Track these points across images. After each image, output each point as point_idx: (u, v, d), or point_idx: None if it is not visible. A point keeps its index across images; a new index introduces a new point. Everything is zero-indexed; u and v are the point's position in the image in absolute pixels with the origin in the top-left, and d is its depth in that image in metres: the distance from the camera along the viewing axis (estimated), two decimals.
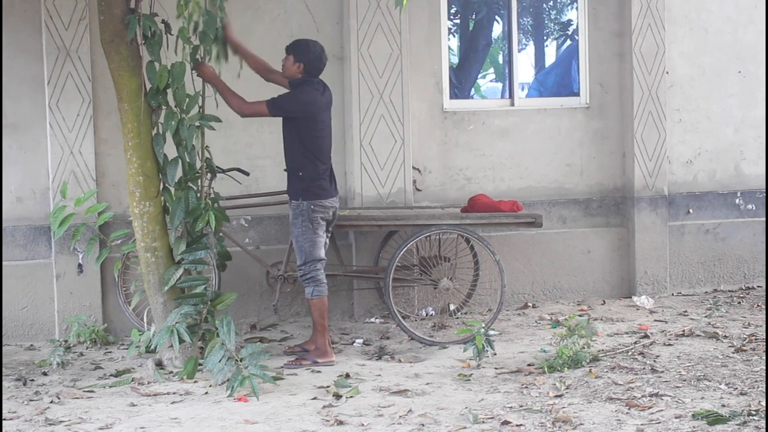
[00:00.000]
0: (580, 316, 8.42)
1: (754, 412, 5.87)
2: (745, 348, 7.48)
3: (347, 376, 7.00)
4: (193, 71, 7.26)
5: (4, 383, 6.93)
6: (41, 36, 8.12)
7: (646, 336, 8.00)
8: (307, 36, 8.00)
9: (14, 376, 7.13)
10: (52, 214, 7.87)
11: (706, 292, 9.72)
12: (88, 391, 6.74)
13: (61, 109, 8.13)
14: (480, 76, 10.63)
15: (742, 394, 6.33)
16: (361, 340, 8.07)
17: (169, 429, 5.96)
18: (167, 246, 7.19)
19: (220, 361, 6.70)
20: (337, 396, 6.52)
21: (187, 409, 6.32)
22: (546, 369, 6.99)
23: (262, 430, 5.92)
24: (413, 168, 8.99)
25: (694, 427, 5.73)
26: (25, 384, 6.94)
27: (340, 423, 5.98)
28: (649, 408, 6.09)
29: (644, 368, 7.01)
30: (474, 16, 10.09)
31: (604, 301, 9.36)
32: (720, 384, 6.56)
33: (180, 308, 7.02)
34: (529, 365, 7.18)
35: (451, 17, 9.69)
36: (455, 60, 9.92)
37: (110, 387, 6.84)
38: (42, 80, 8.15)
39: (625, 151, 9.55)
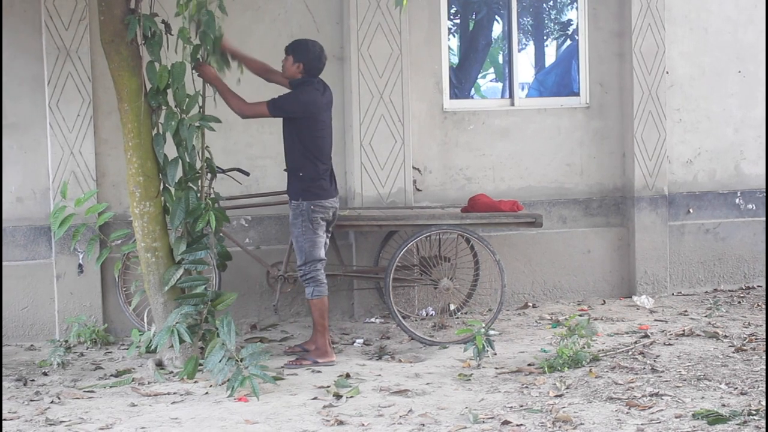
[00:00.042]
0: (580, 315, 8.42)
1: (754, 412, 5.87)
2: (745, 348, 7.49)
3: (347, 376, 7.00)
4: (194, 72, 7.27)
5: (5, 383, 6.93)
6: (41, 36, 8.12)
7: (646, 336, 8.00)
8: (307, 36, 8.01)
9: (15, 376, 7.14)
10: (52, 214, 7.88)
11: (707, 291, 9.72)
12: (88, 392, 6.74)
13: (62, 109, 8.13)
14: (480, 76, 10.63)
15: (742, 393, 6.33)
16: (361, 340, 8.08)
17: (170, 429, 5.97)
18: (167, 246, 7.20)
19: (220, 361, 6.70)
20: (338, 396, 6.52)
21: (188, 409, 6.33)
22: (546, 369, 6.99)
23: (263, 430, 5.93)
24: (413, 168, 8.99)
25: (694, 426, 5.73)
26: (25, 384, 6.94)
27: (341, 423, 5.98)
28: (650, 408, 6.09)
29: (644, 368, 7.01)
30: (474, 16, 10.09)
31: (604, 301, 9.36)
32: (720, 384, 6.56)
33: (180, 308, 7.02)
34: (529, 365, 7.19)
35: (451, 17, 9.69)
36: (455, 60, 9.92)
37: (111, 387, 6.84)
38: (42, 80, 8.15)
39: (625, 151, 9.55)
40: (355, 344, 8.00)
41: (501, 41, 10.04)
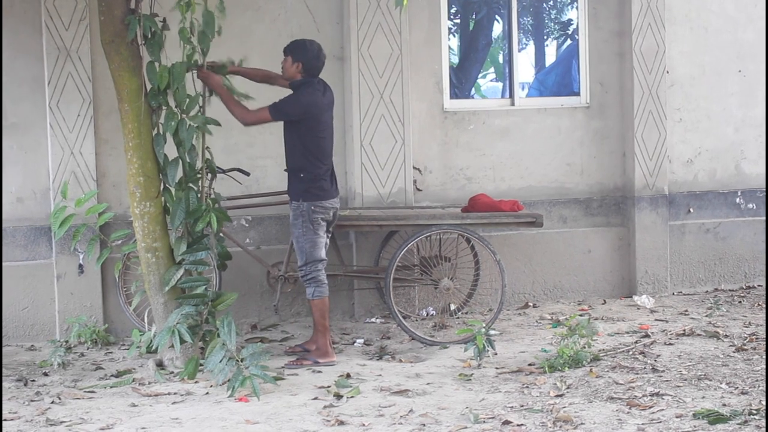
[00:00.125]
0: (580, 315, 8.42)
1: (755, 412, 5.87)
2: (745, 347, 7.48)
3: (348, 376, 7.00)
4: (198, 79, 7.27)
5: (5, 384, 6.93)
6: (41, 36, 8.12)
7: (646, 335, 8.00)
8: (308, 36, 8.00)
9: (15, 376, 7.14)
10: (52, 214, 7.88)
11: (707, 291, 9.72)
12: (88, 392, 6.74)
13: (62, 109, 8.13)
14: (480, 75, 10.62)
15: (743, 393, 6.33)
16: (361, 340, 8.08)
17: (170, 429, 5.96)
18: (168, 246, 7.20)
19: (221, 361, 6.70)
20: (338, 396, 6.52)
21: (188, 409, 6.33)
22: (547, 369, 6.99)
23: (263, 430, 5.93)
24: (414, 168, 8.99)
25: (695, 426, 5.73)
26: (26, 384, 6.94)
27: (341, 423, 5.98)
28: (650, 407, 6.09)
29: (645, 368, 7.01)
30: (474, 16, 10.09)
31: (604, 301, 9.36)
32: (721, 383, 6.56)
33: (181, 309, 7.02)
34: (529, 365, 7.18)
35: (451, 17, 9.69)
36: (455, 60, 9.92)
37: (111, 387, 6.84)
38: (42, 81, 8.15)
39: (626, 151, 9.55)
40: (355, 344, 8.00)
41: (501, 41, 10.03)
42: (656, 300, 9.32)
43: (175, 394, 6.66)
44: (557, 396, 6.40)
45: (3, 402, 6.47)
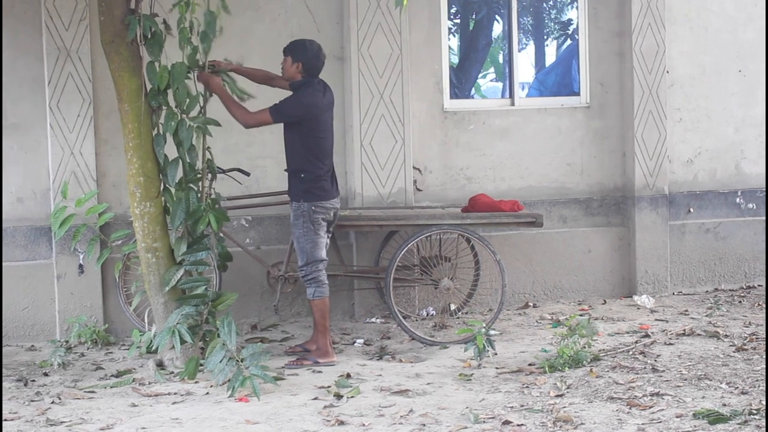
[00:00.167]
0: (580, 315, 8.42)
1: (755, 411, 5.87)
2: (746, 347, 7.48)
3: (348, 376, 7.00)
4: (199, 81, 7.27)
5: (5, 384, 6.94)
6: (41, 37, 8.12)
7: (646, 335, 8.00)
8: (308, 36, 8.00)
9: (15, 376, 7.14)
10: (52, 214, 7.88)
11: (707, 291, 9.72)
12: (89, 392, 6.74)
13: (62, 109, 8.13)
14: (480, 75, 10.63)
15: (743, 393, 6.33)
16: (362, 340, 8.08)
17: (171, 429, 5.97)
18: (168, 246, 7.20)
19: (221, 361, 6.70)
20: (338, 396, 6.52)
21: (188, 409, 6.33)
22: (547, 369, 6.99)
23: (263, 430, 5.93)
24: (414, 168, 8.99)
25: (695, 426, 5.73)
26: (26, 384, 6.94)
27: (341, 423, 5.98)
28: (650, 407, 6.09)
29: (645, 367, 7.01)
30: (474, 16, 10.09)
31: (604, 301, 9.36)
32: (721, 383, 6.56)
33: (181, 309, 7.02)
34: (530, 365, 7.18)
35: (451, 17, 9.69)
36: (455, 60, 9.92)
37: (111, 387, 6.84)
38: (42, 81, 8.15)
39: (626, 151, 9.55)
40: (355, 344, 8.00)
41: (501, 41, 10.03)
42: (656, 300, 9.32)
43: (175, 394, 6.66)
44: (557, 396, 6.40)
45: (3, 402, 6.48)
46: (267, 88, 7.81)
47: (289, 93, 7.56)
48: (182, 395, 6.63)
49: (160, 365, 7.18)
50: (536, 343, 7.86)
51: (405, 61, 8.82)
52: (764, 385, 6.46)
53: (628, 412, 6.03)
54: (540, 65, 10.34)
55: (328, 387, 6.73)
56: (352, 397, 6.51)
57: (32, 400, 6.56)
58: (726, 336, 7.89)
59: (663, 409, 6.04)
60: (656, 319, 8.60)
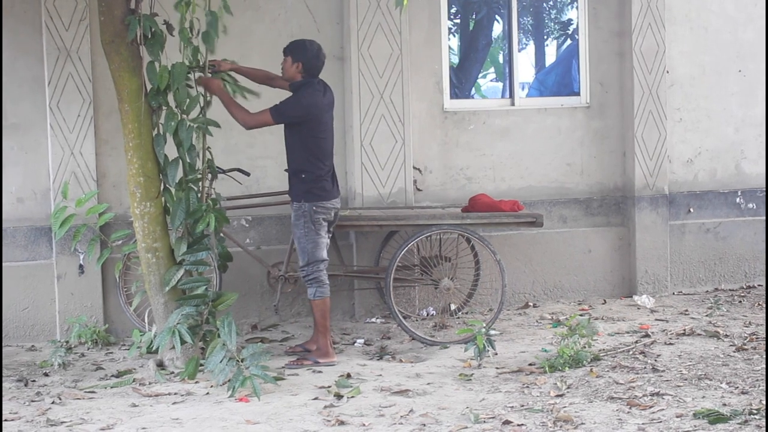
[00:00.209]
0: (581, 315, 8.42)
1: (755, 411, 5.87)
2: (746, 347, 7.48)
3: (348, 376, 7.00)
4: (198, 85, 7.27)
5: (6, 384, 6.94)
6: (42, 37, 8.12)
7: (647, 335, 8.00)
8: (308, 36, 8.00)
9: (15, 376, 7.14)
10: (53, 214, 7.88)
11: (707, 291, 9.72)
12: (89, 392, 6.74)
13: (62, 109, 8.13)
14: (480, 75, 10.63)
15: (743, 393, 6.33)
16: (362, 340, 8.08)
17: (171, 429, 5.97)
18: (168, 247, 7.20)
19: (221, 361, 6.70)
20: (339, 396, 6.52)
21: (189, 409, 6.33)
22: (547, 368, 6.99)
23: (264, 430, 5.93)
24: (414, 168, 8.99)
25: (695, 426, 5.73)
26: (26, 385, 6.94)
27: (342, 423, 5.98)
28: (651, 407, 6.09)
29: (645, 367, 7.01)
30: (474, 16, 10.09)
31: (604, 301, 9.37)
32: (721, 383, 6.56)
33: (181, 309, 7.02)
34: (530, 365, 7.19)
35: (451, 17, 9.69)
36: (455, 60, 9.92)
37: (111, 387, 6.84)
38: (42, 81, 8.15)
39: (626, 151, 9.56)
40: (355, 344, 8.00)
41: (501, 41, 10.04)
42: (656, 300, 9.32)
43: (175, 394, 6.66)
44: (557, 396, 6.41)
45: (3, 402, 6.48)
46: (267, 88, 7.81)
47: (289, 93, 7.56)
48: (182, 395, 6.63)
49: (161, 365, 7.18)
50: (536, 343, 7.86)
51: (405, 61, 8.82)
52: (764, 384, 6.46)
53: (629, 412, 6.03)
54: (540, 65, 10.34)
55: (329, 387, 6.73)
56: (352, 397, 6.51)
57: (32, 401, 6.57)
58: (726, 336, 7.89)
59: (663, 409, 6.04)
60: (656, 319, 8.60)
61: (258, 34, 8.64)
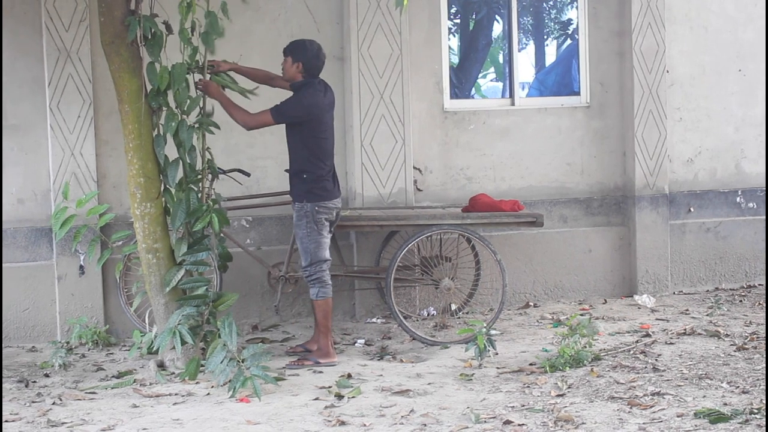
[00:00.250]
0: (581, 315, 8.42)
1: (756, 411, 5.87)
2: (746, 346, 7.48)
3: (349, 376, 7.00)
4: (198, 89, 7.26)
5: (6, 385, 6.94)
6: (42, 38, 8.12)
7: (647, 335, 8.00)
8: (308, 36, 8.00)
9: (16, 377, 7.14)
10: (53, 215, 7.88)
11: (708, 290, 9.72)
12: (90, 393, 6.74)
13: (62, 110, 8.14)
14: (480, 75, 10.63)
15: (743, 392, 6.33)
16: (362, 341, 8.08)
17: (172, 430, 5.97)
18: (168, 247, 7.20)
19: (222, 362, 6.70)
20: (339, 396, 6.52)
21: (189, 410, 6.33)
22: (548, 368, 6.99)
23: (264, 430, 5.93)
24: (414, 168, 8.99)
25: (696, 425, 5.73)
26: (26, 386, 6.94)
27: (342, 423, 5.98)
28: (651, 407, 6.09)
29: (646, 367, 7.01)
30: (474, 16, 10.09)
31: (605, 300, 9.36)
32: (722, 382, 6.56)
33: (182, 309, 7.02)
34: (530, 365, 7.19)
35: (451, 17, 9.69)
36: (455, 60, 9.92)
37: (112, 388, 6.84)
38: (42, 82, 8.15)
39: (626, 150, 9.56)
40: (356, 344, 8.00)
41: (501, 41, 10.04)
42: (657, 299, 9.32)
43: (176, 395, 6.66)
44: (558, 395, 6.41)
45: (4, 403, 6.48)
46: (267, 88, 7.81)
47: (289, 93, 7.56)
48: (183, 396, 6.63)
49: (161, 366, 7.18)
50: (537, 343, 7.86)
51: (405, 61, 8.82)
52: (765, 384, 6.46)
53: (629, 412, 6.03)
54: (540, 65, 10.34)
55: (329, 387, 6.73)
56: (353, 397, 6.52)
57: (33, 401, 6.57)
58: (727, 335, 7.89)
59: (664, 409, 6.04)
60: (657, 319, 8.60)
61: (258, 34, 8.64)
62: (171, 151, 7.15)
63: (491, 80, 11.17)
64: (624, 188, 9.60)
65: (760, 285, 9.81)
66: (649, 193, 9.48)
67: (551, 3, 10.14)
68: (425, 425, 5.92)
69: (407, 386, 6.72)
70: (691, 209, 9.76)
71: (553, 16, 10.36)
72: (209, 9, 7.04)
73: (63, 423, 6.10)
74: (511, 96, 9.51)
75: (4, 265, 8.09)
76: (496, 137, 9.31)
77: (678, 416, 5.90)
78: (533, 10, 10.10)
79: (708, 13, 9.78)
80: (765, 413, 5.81)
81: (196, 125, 7.14)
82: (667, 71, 9.58)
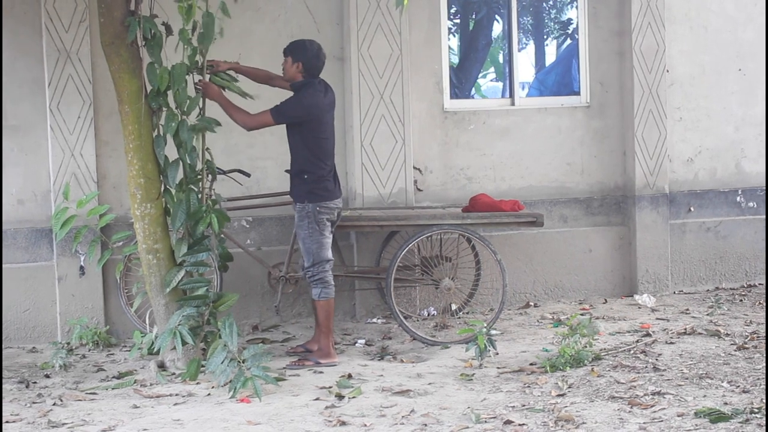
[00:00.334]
0: (581, 315, 8.42)
1: (756, 410, 5.87)
2: (747, 346, 7.48)
3: (349, 376, 7.00)
4: (198, 91, 7.26)
5: (7, 386, 6.93)
6: (41, 38, 8.12)
7: (647, 334, 8.00)
8: (307, 37, 8.00)
9: (17, 378, 7.14)
10: (54, 215, 7.89)
11: (708, 290, 9.72)
12: (90, 393, 6.75)
13: (62, 111, 8.14)
14: (480, 75, 10.63)
15: (744, 391, 6.33)
16: (363, 341, 8.08)
17: (172, 431, 5.97)
18: (169, 248, 7.20)
19: (222, 362, 6.70)
20: (340, 396, 6.52)
21: (190, 410, 6.33)
22: (548, 368, 6.99)
23: (265, 431, 5.93)
24: (414, 168, 8.99)
25: (696, 425, 5.73)
26: (27, 386, 6.94)
27: (343, 423, 5.98)
28: (652, 406, 6.09)
29: (646, 367, 7.01)
30: (474, 16, 10.09)
31: (605, 300, 9.37)
32: (722, 382, 6.56)
33: (182, 310, 7.02)
34: (531, 364, 7.19)
35: (451, 17, 9.69)
36: (455, 60, 9.92)
37: (113, 389, 6.84)
38: (42, 83, 8.15)
39: (626, 150, 9.56)
40: (356, 345, 8.00)
41: (501, 41, 10.04)
42: (657, 299, 9.32)
43: (176, 395, 6.66)
44: (559, 395, 6.41)
45: (4, 404, 6.48)
46: (267, 88, 7.81)
47: (290, 93, 7.56)
48: (184, 396, 6.63)
49: (162, 366, 7.18)
50: (537, 343, 7.86)
51: (405, 61, 8.82)
52: (765, 383, 6.45)
53: (630, 411, 6.03)
54: (540, 65, 10.34)
55: (330, 387, 6.73)
56: (353, 397, 6.52)
57: (34, 402, 6.57)
58: (727, 335, 7.89)
59: (664, 408, 6.04)
60: (657, 318, 8.60)
61: (258, 35, 8.64)
62: (171, 151, 7.15)
63: (491, 80, 11.17)
64: (624, 188, 9.60)
65: (760, 284, 9.81)
66: (650, 193, 9.48)
67: (551, 3, 10.14)
68: (426, 425, 5.92)
69: (408, 386, 6.72)
70: (692, 209, 9.76)
71: (553, 16, 10.36)
72: (208, 10, 7.03)
73: (64, 424, 6.10)
74: (511, 96, 9.51)
75: (4, 265, 8.09)
76: (496, 137, 9.31)
77: (678, 416, 5.90)
78: (533, 10, 10.10)
79: (708, 12, 9.78)
80: (765, 412, 5.81)
81: (198, 119, 7.12)
82: (667, 71, 9.58)
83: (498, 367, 7.16)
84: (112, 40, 7.04)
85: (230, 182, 8.24)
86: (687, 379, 6.67)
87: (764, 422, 5.68)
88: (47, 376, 7.20)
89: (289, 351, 7.73)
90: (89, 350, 7.97)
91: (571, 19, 9.98)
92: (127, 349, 7.94)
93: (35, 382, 7.04)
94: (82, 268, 8.20)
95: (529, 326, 8.48)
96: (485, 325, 7.43)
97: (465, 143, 9.22)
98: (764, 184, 9.93)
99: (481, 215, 8.21)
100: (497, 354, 7.38)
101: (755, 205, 9.93)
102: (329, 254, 7.45)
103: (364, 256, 8.74)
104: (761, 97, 9.92)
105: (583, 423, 5.85)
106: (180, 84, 7.05)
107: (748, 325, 8.22)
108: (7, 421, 6.13)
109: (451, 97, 9.33)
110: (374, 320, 8.74)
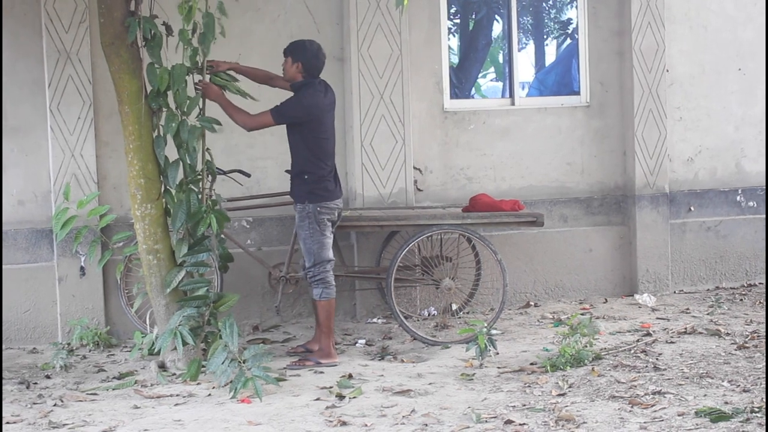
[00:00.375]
0: (582, 314, 8.42)
1: (756, 409, 5.87)
2: (747, 345, 7.49)
3: (350, 376, 7.00)
4: (198, 92, 7.26)
5: (7, 387, 6.93)
6: (42, 39, 8.12)
7: (648, 334, 8.00)
8: (307, 37, 8.00)
9: (17, 379, 7.14)
10: (54, 215, 7.88)
11: (708, 289, 9.72)
12: (91, 394, 6.75)
13: (62, 112, 8.14)
14: (480, 75, 10.63)
15: (744, 391, 6.33)
16: (363, 341, 8.08)
17: (173, 431, 5.97)
18: (169, 248, 7.20)
19: (223, 362, 6.70)
20: (340, 396, 6.52)
21: (191, 411, 6.33)
22: (549, 368, 6.99)
23: (266, 431, 5.93)
24: (414, 168, 8.99)
25: (696, 424, 5.73)
26: (28, 387, 6.94)
27: (344, 423, 5.98)
28: (652, 406, 6.09)
29: (647, 366, 7.01)
30: (474, 16, 10.09)
31: (606, 300, 9.37)
32: (723, 381, 6.57)
33: (182, 310, 7.02)
34: (531, 364, 7.19)
35: (451, 17, 9.69)
36: (455, 60, 9.92)
37: (113, 389, 6.84)
38: (43, 83, 8.15)
39: (626, 150, 9.56)
40: (357, 345, 8.00)
41: (501, 41, 10.04)
42: (657, 298, 9.32)
43: (177, 395, 6.66)
44: (559, 395, 6.41)
45: (5, 405, 6.48)
46: (267, 88, 7.81)
47: (290, 94, 7.56)
48: (184, 397, 6.63)
49: (162, 367, 7.19)
50: (538, 343, 7.86)
51: (405, 61, 8.83)
52: (765, 383, 6.46)
53: (630, 411, 6.03)
54: (540, 65, 10.34)
55: (330, 387, 6.73)
56: (354, 397, 6.52)
57: (34, 403, 6.57)
58: (727, 334, 7.89)
59: (665, 408, 6.05)
60: (657, 318, 8.61)
61: (258, 35, 8.65)
62: (171, 151, 7.15)
63: (491, 80, 11.17)
64: (624, 187, 9.60)
65: (760, 284, 9.81)
66: (650, 193, 9.48)
67: (551, 3, 10.15)
68: (426, 425, 5.92)
69: (408, 386, 6.72)
70: (692, 208, 9.76)
71: (552, 16, 10.36)
72: (207, 10, 7.04)
73: (64, 424, 6.10)
74: (511, 96, 9.51)
75: (4, 266, 8.09)
76: (496, 137, 9.31)
77: (679, 415, 5.90)
78: (533, 10, 10.10)
79: (707, 12, 9.78)
80: (766, 412, 5.81)
81: (198, 119, 7.13)
82: (667, 70, 9.58)
83: (498, 367, 7.16)
84: (112, 40, 7.05)
85: (230, 182, 8.24)
86: (687, 378, 6.68)
87: (765, 421, 5.69)
88: (48, 377, 7.20)
89: (290, 351, 7.73)
90: (90, 351, 7.97)
91: (571, 19, 9.98)
92: (128, 349, 7.94)
93: (36, 383, 7.04)
94: (82, 268, 8.20)
95: (530, 326, 8.48)
96: (486, 324, 7.43)
97: (465, 143, 9.22)
98: (764, 184, 9.93)
99: (481, 215, 8.21)
100: (498, 354, 7.38)
101: (755, 205, 9.93)
102: (330, 254, 7.45)
103: (365, 256, 8.74)
104: (761, 96, 9.92)
105: (584, 422, 5.85)
106: (180, 84, 7.05)
107: (748, 325, 8.23)
108: (7, 422, 6.13)
109: (451, 97, 9.33)
110: (375, 320, 8.75)
